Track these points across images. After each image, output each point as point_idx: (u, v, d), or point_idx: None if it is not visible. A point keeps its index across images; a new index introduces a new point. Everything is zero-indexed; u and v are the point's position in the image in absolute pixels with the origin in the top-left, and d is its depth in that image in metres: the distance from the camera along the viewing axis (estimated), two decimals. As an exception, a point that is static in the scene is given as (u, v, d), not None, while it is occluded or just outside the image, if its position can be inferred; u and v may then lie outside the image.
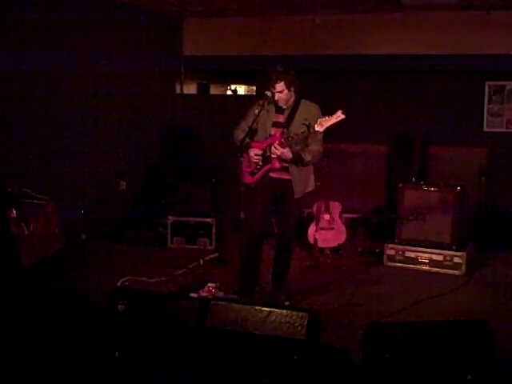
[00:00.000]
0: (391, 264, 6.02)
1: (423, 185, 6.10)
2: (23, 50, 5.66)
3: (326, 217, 6.32)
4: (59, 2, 6.10)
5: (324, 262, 6.09)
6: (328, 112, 4.30)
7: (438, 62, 7.17)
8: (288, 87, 4.41)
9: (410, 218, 5.99)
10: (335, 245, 6.37)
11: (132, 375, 3.02)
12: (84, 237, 6.46)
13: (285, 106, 4.52)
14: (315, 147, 4.46)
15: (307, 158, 4.41)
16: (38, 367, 3.03)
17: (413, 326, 3.09)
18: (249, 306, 3.08)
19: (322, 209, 6.31)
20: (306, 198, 4.71)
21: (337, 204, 6.43)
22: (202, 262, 5.96)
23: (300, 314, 2.95)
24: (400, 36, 7.26)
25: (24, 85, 5.69)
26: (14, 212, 4.73)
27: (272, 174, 4.53)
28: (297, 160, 4.41)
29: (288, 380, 2.75)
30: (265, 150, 4.44)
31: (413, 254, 5.95)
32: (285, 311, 3.00)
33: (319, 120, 4.23)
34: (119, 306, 3.23)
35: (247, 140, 4.43)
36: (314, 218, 6.30)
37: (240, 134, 4.49)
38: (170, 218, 6.66)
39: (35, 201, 5.03)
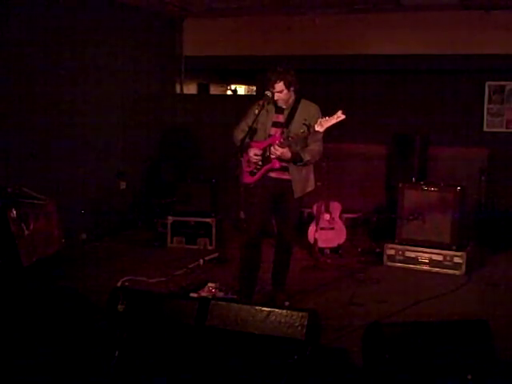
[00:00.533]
0: (391, 264, 6.02)
1: (423, 185, 6.10)
2: (23, 50, 5.66)
3: (326, 217, 6.32)
4: (59, 2, 6.10)
5: (324, 262, 6.09)
6: (328, 112, 4.30)
7: (438, 61, 7.17)
8: (287, 87, 4.41)
9: (410, 217, 5.98)
10: (335, 245, 6.37)
11: (132, 375, 3.02)
12: (84, 237, 6.47)
13: (284, 106, 4.52)
14: (315, 147, 4.46)
15: (307, 157, 4.41)
16: (38, 367, 3.03)
17: (413, 326, 3.09)
18: (249, 306, 3.08)
19: (322, 209, 6.31)
20: (305, 198, 4.71)
21: (337, 204, 6.43)
22: (202, 261, 5.96)
23: (300, 313, 2.95)
24: (400, 36, 7.26)
25: (23, 85, 5.69)
26: (14, 212, 4.73)
27: (272, 174, 4.53)
28: (296, 160, 4.41)
29: (288, 380, 2.75)
30: (265, 150, 4.44)
31: (413, 254, 5.95)
32: (285, 311, 2.99)
33: (319, 120, 4.22)
34: (119, 306, 3.22)
35: (247, 140, 4.43)
36: (314, 218, 6.31)
37: (240, 133, 4.50)
38: (170, 218, 6.66)
39: (35, 201, 5.03)
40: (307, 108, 4.49)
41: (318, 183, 4.99)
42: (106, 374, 3.00)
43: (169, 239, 6.66)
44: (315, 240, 6.17)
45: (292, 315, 2.95)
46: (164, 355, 3.02)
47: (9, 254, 4.67)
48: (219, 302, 3.17)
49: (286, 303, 4.65)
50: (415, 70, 7.35)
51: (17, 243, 4.70)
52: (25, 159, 5.68)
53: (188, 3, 7.30)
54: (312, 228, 6.29)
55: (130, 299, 3.25)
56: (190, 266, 5.81)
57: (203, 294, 4.82)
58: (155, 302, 3.28)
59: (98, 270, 5.60)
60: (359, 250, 6.48)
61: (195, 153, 7.97)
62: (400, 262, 5.99)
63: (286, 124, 4.47)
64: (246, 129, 4.41)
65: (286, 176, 4.50)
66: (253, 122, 4.39)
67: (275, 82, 4.39)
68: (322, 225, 6.28)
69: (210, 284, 4.96)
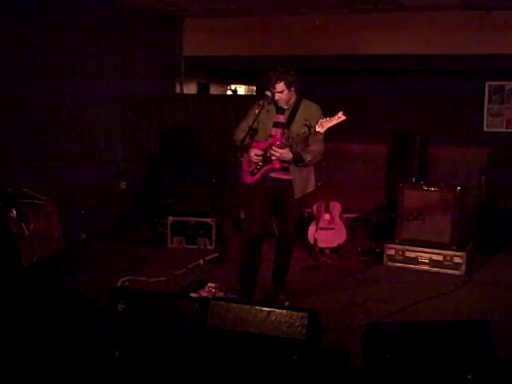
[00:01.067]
0: (391, 264, 6.01)
1: (423, 185, 6.10)
2: (23, 50, 5.66)
3: (326, 217, 6.32)
4: (59, 2, 6.10)
5: (324, 262, 6.09)
6: (328, 112, 4.30)
7: (438, 61, 7.16)
8: (288, 87, 4.41)
9: (410, 217, 5.98)
10: (335, 245, 6.37)
11: (132, 375, 3.02)
12: (84, 237, 6.46)
13: (285, 107, 4.52)
14: (316, 148, 4.45)
15: (308, 158, 4.41)
16: (39, 367, 3.03)
17: (413, 326, 3.09)
18: (249, 306, 3.08)
19: (322, 209, 6.31)
20: (306, 198, 4.71)
21: (337, 204, 6.42)
22: (202, 261, 5.96)
23: (300, 313, 2.95)
24: (400, 36, 7.26)
25: (23, 85, 5.69)
26: (14, 212, 4.72)
27: (272, 174, 4.53)
28: (297, 160, 4.41)
29: (288, 380, 2.75)
30: (265, 150, 4.44)
31: (413, 254, 5.95)
32: (285, 311, 2.99)
33: (320, 121, 4.22)
34: (119, 306, 3.22)
35: (248, 140, 4.43)
36: (314, 218, 6.31)
37: (240, 133, 4.50)
38: (170, 218, 6.65)
39: (35, 201, 5.02)
40: (308, 108, 4.49)
41: (319, 183, 4.99)
42: (106, 373, 3.00)
43: (169, 239, 6.65)
44: (315, 240, 6.17)
45: (292, 315, 2.95)
46: (164, 355, 3.02)
47: (9, 254, 4.66)
48: (219, 302, 3.18)
49: (286, 303, 4.65)
50: (415, 70, 7.34)
51: (17, 243, 4.69)
52: (25, 159, 5.68)
53: (188, 3, 7.30)
54: (312, 228, 6.29)
55: (130, 299, 3.25)
56: (190, 266, 5.81)
57: (203, 293, 4.82)
58: (155, 301, 3.29)
59: (98, 270, 5.59)
60: (359, 249, 6.47)
61: (195, 153, 7.97)
62: (400, 261, 5.99)
63: (287, 124, 4.47)
64: (247, 129, 4.41)
65: (286, 176, 4.50)
66: (253, 122, 4.39)
67: (276, 82, 4.39)
68: (322, 225, 6.28)
69: (210, 284, 4.96)
